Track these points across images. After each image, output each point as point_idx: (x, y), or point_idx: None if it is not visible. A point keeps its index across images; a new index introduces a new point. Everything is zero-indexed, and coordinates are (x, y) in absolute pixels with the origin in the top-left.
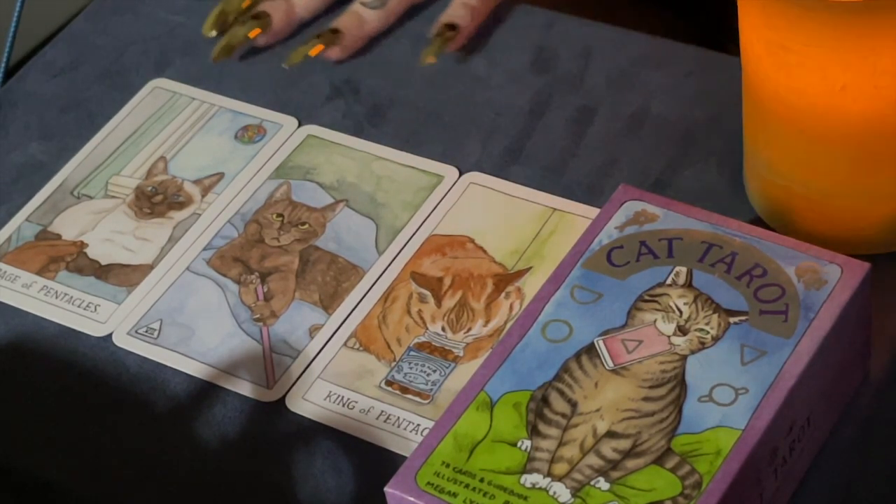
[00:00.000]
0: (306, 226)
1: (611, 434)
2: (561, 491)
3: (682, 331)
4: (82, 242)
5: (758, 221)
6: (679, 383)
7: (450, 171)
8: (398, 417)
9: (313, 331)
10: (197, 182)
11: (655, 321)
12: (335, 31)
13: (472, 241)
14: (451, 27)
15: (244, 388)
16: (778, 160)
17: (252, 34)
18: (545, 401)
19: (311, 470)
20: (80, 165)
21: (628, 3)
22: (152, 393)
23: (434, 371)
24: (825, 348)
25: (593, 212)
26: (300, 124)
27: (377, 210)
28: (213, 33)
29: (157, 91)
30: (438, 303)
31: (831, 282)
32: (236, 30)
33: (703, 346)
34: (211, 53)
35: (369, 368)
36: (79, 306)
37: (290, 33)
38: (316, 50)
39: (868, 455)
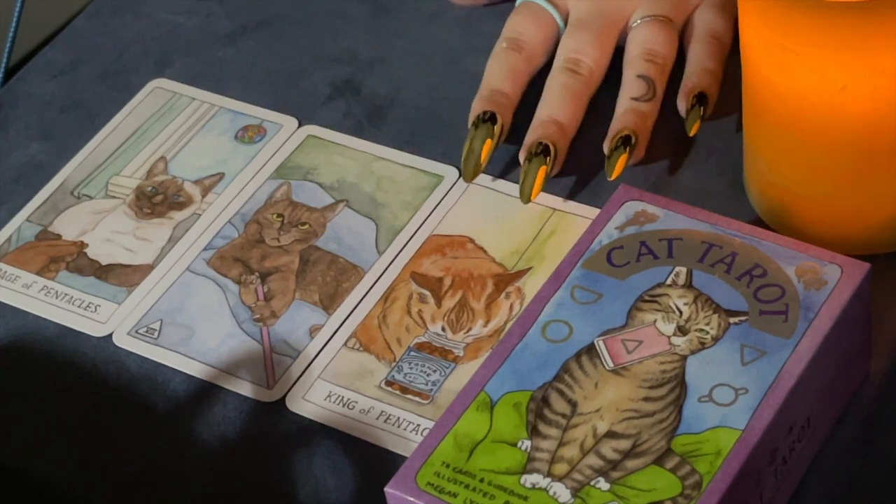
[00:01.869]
0: (306, 226)
1: (611, 434)
2: (561, 491)
3: (682, 331)
4: (82, 242)
5: (758, 221)
6: (679, 383)
7: (450, 171)
8: (398, 417)
9: (313, 331)
10: (197, 182)
11: (655, 321)
12: (629, 137)
13: (472, 241)
14: (701, 97)
15: (244, 388)
16: (778, 160)
17: (543, 173)
18: (545, 401)
19: (311, 470)
20: (80, 165)
21: None
22: (152, 393)
23: (434, 371)
24: (825, 348)
25: (593, 212)
26: (300, 124)
27: (377, 210)
28: (475, 179)
29: (157, 91)
30: (438, 303)
31: (831, 282)
32: (528, 174)
33: (703, 346)
34: (522, 198)
35: (369, 368)
36: (79, 306)
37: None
38: (622, 163)
39: (868, 455)
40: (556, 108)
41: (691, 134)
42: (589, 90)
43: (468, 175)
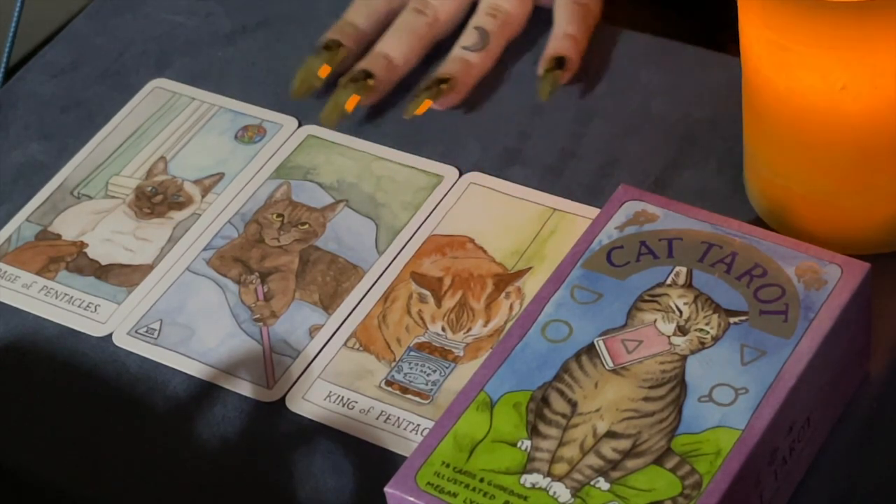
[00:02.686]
0: (306, 226)
1: (611, 434)
2: (561, 491)
3: (682, 331)
4: (82, 242)
5: (758, 221)
6: (679, 383)
7: (450, 171)
8: (398, 417)
9: (313, 331)
10: (197, 182)
11: (655, 321)
12: (445, 81)
13: (472, 241)
14: (559, 61)
15: (244, 388)
16: (778, 160)
17: (354, 100)
18: (545, 401)
19: (311, 470)
20: (80, 165)
21: (628, 2)
22: (152, 393)
23: (434, 371)
24: (825, 348)
25: (593, 212)
26: (300, 124)
27: (377, 210)
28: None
29: (157, 91)
30: (438, 303)
31: (831, 282)
32: (339, 95)
33: (703, 346)
34: (320, 118)
35: (369, 368)
36: (79, 306)
37: (391, 89)
38: (426, 105)
39: (868, 455)
40: (390, 44)
41: (544, 98)
42: (431, 32)
43: (298, 91)
